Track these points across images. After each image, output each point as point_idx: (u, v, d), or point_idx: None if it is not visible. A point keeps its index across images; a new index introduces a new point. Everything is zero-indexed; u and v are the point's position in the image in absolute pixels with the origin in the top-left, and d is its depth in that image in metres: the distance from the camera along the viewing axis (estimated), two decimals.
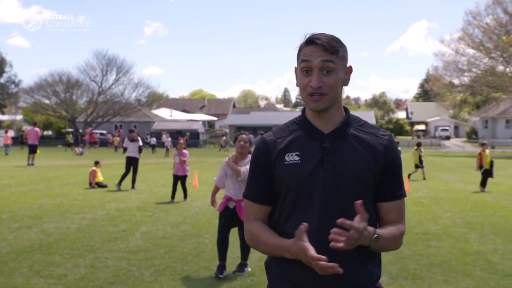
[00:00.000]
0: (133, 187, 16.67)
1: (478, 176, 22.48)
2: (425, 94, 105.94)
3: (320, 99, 2.23)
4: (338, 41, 2.26)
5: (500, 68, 50.23)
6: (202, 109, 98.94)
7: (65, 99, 68.68)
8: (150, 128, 67.75)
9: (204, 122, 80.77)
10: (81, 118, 68.83)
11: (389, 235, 2.25)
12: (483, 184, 16.64)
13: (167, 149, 41.10)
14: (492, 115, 72.59)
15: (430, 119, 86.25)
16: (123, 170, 17.53)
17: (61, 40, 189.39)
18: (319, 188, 2.22)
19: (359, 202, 2.05)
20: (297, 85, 2.33)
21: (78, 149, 41.08)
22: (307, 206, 2.24)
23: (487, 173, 16.76)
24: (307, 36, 2.27)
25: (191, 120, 78.72)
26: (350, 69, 2.34)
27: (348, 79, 2.35)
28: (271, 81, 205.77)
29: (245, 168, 6.81)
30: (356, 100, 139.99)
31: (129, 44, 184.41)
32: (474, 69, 51.05)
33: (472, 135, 73.86)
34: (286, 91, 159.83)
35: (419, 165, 21.23)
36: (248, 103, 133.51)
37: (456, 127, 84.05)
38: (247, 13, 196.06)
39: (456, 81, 53.29)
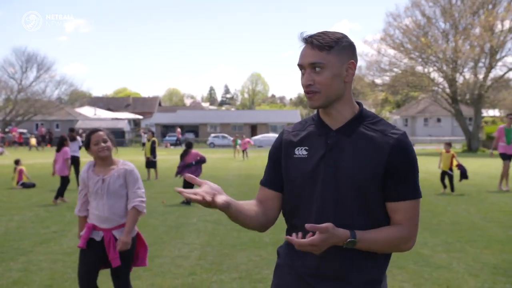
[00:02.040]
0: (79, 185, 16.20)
1: None
2: None
3: (312, 96, 2.28)
4: (334, 37, 2.27)
5: (419, 68, 52.06)
6: (127, 107, 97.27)
7: None
8: (74, 126, 65.92)
9: (129, 121, 79.43)
10: (0, 117, 66.17)
11: (376, 238, 2.23)
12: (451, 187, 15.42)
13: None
14: (412, 113, 75.33)
15: None
16: (45, 170, 16.99)
17: None
18: (319, 184, 2.28)
19: (307, 225, 2.09)
20: None
21: None
22: (309, 200, 2.31)
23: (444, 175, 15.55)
24: (301, 36, 2.33)
25: (116, 118, 77.25)
26: (352, 64, 2.30)
27: (351, 74, 2.30)
28: (197, 79, 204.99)
29: (138, 201, 4.61)
30: (281, 98, 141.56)
31: (50, 41, 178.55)
32: (395, 69, 52.63)
33: None
34: (211, 89, 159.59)
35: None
36: (174, 101, 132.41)
37: None
38: (172, 10, 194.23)
39: (378, 81, 54.79)
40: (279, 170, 2.43)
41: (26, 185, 16.76)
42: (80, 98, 76.10)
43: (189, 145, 14.04)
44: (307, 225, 2.10)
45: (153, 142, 19.93)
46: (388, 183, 2.24)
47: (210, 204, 2.05)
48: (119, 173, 4.64)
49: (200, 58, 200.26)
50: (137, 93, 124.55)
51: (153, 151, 19.74)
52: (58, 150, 13.66)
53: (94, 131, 4.72)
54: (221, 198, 2.09)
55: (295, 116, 70.23)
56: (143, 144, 49.31)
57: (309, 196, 2.31)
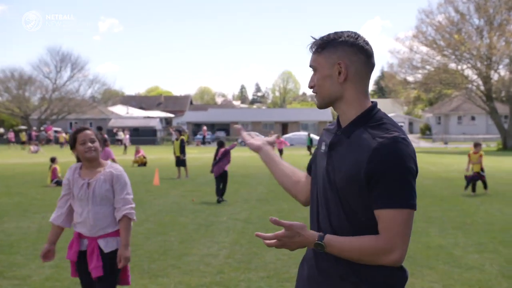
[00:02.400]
0: None
1: (433, 171, 23.02)
2: (380, 90, 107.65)
3: (316, 96, 2.35)
4: (328, 38, 2.27)
5: (452, 65, 51.34)
6: (159, 106, 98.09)
7: (18, 96, 67.13)
8: (106, 125, 66.78)
9: (161, 119, 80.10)
10: (35, 116, 67.39)
11: (350, 245, 2.14)
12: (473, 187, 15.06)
13: (126, 147, 40.63)
14: (445, 111, 74.25)
15: None
16: None
17: (13, 35, 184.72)
18: (319, 179, 2.35)
19: (272, 219, 2.15)
20: None
21: (33, 147, 40.23)
22: (315, 197, 2.40)
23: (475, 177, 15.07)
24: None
25: (148, 117, 77.96)
26: (340, 65, 2.23)
27: (343, 75, 2.23)
28: (228, 77, 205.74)
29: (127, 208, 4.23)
30: (312, 97, 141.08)
31: (84, 41, 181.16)
32: (427, 67, 52.01)
33: (426, 131, 75.44)
34: (243, 87, 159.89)
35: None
36: (205, 100, 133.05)
37: (410, 124, 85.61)
38: (205, 8, 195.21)
39: (410, 78, 54.18)
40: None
41: (59, 183, 17.04)
42: (113, 96, 77.01)
43: (220, 144, 14.19)
44: (271, 218, 2.16)
45: (182, 141, 19.99)
46: (370, 189, 2.10)
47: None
48: (106, 177, 4.20)
49: (232, 57, 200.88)
50: (169, 91, 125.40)
51: (182, 149, 19.79)
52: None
53: (81, 129, 4.27)
54: (257, 143, 2.79)
55: (326, 114, 69.84)
56: (173, 143, 49.36)
57: (313, 191, 2.42)
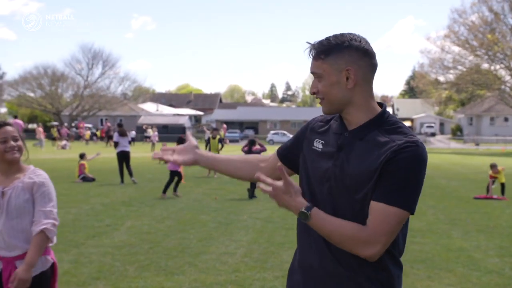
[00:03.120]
0: (132, 177, 16.72)
1: (462, 172, 22.69)
2: (411, 90, 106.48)
3: (321, 103, 2.31)
4: (333, 43, 2.21)
5: (485, 66, 50.61)
6: (188, 103, 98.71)
7: (50, 92, 68.35)
8: (136, 122, 67.48)
9: (190, 117, 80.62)
10: (67, 112, 68.46)
11: (331, 222, 2.13)
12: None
13: (153, 144, 40.96)
14: (477, 112, 73.15)
15: (415, 116, 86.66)
16: (108, 164, 17.50)
17: (47, 32, 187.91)
18: (325, 181, 2.27)
19: (257, 174, 2.20)
20: None
21: (61, 143, 40.91)
22: (318, 196, 2.29)
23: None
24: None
25: (177, 114, 78.53)
26: (349, 71, 2.20)
27: (352, 79, 2.20)
28: (258, 76, 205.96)
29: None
30: None
31: (117, 38, 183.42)
32: (459, 67, 51.38)
33: (457, 132, 74.43)
34: (273, 86, 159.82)
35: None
36: (235, 98, 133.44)
37: (441, 124, 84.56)
38: (234, 7, 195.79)
39: (441, 78, 53.62)
40: (294, 151, 2.48)
41: (86, 179, 17.27)
42: (143, 94, 77.75)
43: (252, 142, 14.44)
44: (257, 174, 2.20)
45: (220, 139, 19.92)
46: (378, 182, 2.11)
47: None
48: (25, 185, 3.45)
49: (262, 55, 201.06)
50: (199, 89, 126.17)
51: (220, 148, 19.82)
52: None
53: (1, 124, 3.49)
54: (183, 158, 2.56)
55: None
56: (207, 141, 48.69)
57: (313, 189, 2.31)
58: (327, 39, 2.25)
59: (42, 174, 3.54)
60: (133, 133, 49.33)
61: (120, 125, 17.41)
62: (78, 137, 57.88)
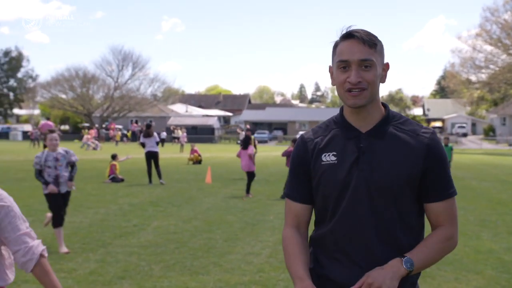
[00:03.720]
0: (161, 179, 16.78)
1: (494, 173, 22.31)
2: (442, 90, 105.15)
3: (359, 94, 2.15)
4: (375, 36, 2.20)
5: None
6: (217, 104, 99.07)
7: (82, 94, 69.30)
8: (166, 123, 67.98)
9: (219, 118, 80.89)
10: (97, 113, 69.30)
11: (427, 251, 2.17)
12: None
13: (182, 145, 41.22)
14: (510, 112, 71.80)
15: (447, 116, 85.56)
16: (137, 165, 17.64)
17: (79, 35, 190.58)
18: (352, 190, 2.18)
19: None
20: (333, 83, 2.27)
21: (93, 144, 41.48)
22: (345, 209, 2.20)
23: None
24: (344, 31, 2.21)
25: (206, 115, 78.87)
26: (387, 66, 2.26)
27: (385, 76, 2.26)
28: (287, 76, 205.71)
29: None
30: None
31: (147, 39, 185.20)
32: (491, 66, 50.56)
33: (490, 133, 73.19)
34: (302, 87, 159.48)
35: None
36: (264, 99, 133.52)
37: (473, 124, 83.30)
38: (264, 8, 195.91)
39: (473, 78, 52.84)
40: (307, 180, 2.31)
41: (115, 180, 17.45)
42: (173, 95, 78.29)
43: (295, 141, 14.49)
44: None
45: (254, 140, 19.55)
46: (427, 183, 2.19)
47: None
48: None
49: (292, 56, 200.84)
50: (228, 90, 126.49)
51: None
52: (244, 148, 14.38)
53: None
54: None
55: None
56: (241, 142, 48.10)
57: (343, 204, 2.21)
58: (365, 30, 2.21)
59: (1, 193, 2.72)
60: (163, 134, 49.68)
61: (148, 126, 17.50)
62: (109, 138, 58.57)
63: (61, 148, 8.04)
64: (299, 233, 2.34)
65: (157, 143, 17.30)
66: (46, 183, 7.83)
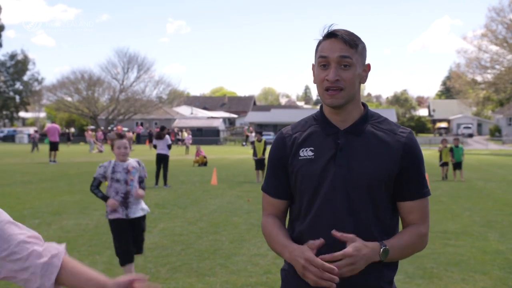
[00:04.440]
0: (165, 184, 16.74)
1: (500, 173, 22.25)
2: (447, 91, 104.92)
3: (336, 94, 2.18)
4: (357, 36, 2.23)
5: None
6: (222, 106, 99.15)
7: (87, 97, 69.48)
8: (171, 125, 68.08)
9: (224, 120, 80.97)
10: (103, 116, 69.47)
11: (403, 243, 2.21)
12: None
13: (187, 147, 41.26)
14: None
15: (452, 117, 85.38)
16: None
17: (85, 38, 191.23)
18: (328, 186, 2.20)
19: (334, 233, 2.08)
20: (314, 81, 2.30)
21: (99, 146, 41.60)
22: (320, 205, 2.21)
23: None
24: (326, 30, 2.24)
25: (211, 117, 78.94)
26: (368, 67, 2.29)
27: (366, 76, 2.28)
28: (292, 78, 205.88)
29: None
30: (378, 97, 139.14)
31: (152, 42, 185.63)
32: (497, 66, 50.43)
33: (496, 133, 72.98)
34: (307, 88, 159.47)
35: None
36: (269, 100, 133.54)
37: (479, 125, 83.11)
38: (268, 10, 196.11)
39: (479, 78, 52.70)
40: (284, 176, 2.33)
41: None
42: (178, 97, 78.45)
43: None
44: (334, 232, 2.08)
45: (265, 142, 19.10)
46: (402, 182, 2.22)
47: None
48: None
49: (296, 57, 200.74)
50: (233, 92, 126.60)
51: (265, 151, 18.83)
52: None
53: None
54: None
55: (391, 115, 68.69)
56: (252, 143, 46.59)
57: (319, 200, 2.21)
58: (347, 30, 2.24)
59: None
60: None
61: (162, 129, 17.44)
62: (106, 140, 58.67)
63: (133, 158, 6.41)
64: (278, 219, 2.37)
65: (169, 146, 17.12)
66: (104, 198, 6.09)
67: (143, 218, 6.32)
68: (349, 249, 2.05)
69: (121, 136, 6.20)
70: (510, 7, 48.32)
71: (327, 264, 2.02)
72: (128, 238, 6.11)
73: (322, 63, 2.20)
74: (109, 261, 7.34)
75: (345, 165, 2.19)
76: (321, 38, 2.26)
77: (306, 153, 2.26)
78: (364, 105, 2.34)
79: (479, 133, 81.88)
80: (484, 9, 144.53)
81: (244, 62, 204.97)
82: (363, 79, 2.28)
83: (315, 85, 2.29)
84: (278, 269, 6.92)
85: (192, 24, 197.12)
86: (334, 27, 2.25)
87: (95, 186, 6.15)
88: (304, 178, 2.24)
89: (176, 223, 10.29)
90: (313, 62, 2.32)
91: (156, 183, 16.82)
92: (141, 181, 6.35)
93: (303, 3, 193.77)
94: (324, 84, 2.20)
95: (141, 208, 6.25)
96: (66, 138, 54.67)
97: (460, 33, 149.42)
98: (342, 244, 2.11)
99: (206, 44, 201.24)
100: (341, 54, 2.16)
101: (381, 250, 2.11)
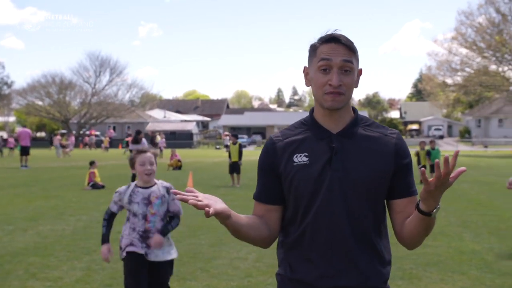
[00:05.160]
0: None
1: (472, 174, 22.61)
2: (418, 93, 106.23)
3: (338, 98, 2.20)
4: (353, 43, 2.26)
5: (493, 67, 50.41)
6: (195, 109, 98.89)
7: (58, 101, 68.71)
8: (144, 129, 67.65)
9: (197, 123, 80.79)
10: (75, 120, 68.73)
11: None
12: None
13: (161, 150, 41.02)
14: (485, 114, 72.93)
15: (423, 119, 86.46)
16: (117, 171, 17.52)
17: (55, 41, 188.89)
18: (325, 190, 2.20)
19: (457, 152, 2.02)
20: (308, 84, 2.31)
21: (66, 149, 41.33)
22: (319, 208, 2.21)
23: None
24: (327, 34, 2.26)
25: (185, 121, 78.66)
26: (360, 72, 2.32)
27: (358, 81, 2.32)
28: (265, 81, 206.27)
29: None
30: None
31: (124, 45, 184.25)
32: (467, 69, 51.20)
33: (466, 134, 74.16)
34: (279, 91, 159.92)
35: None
36: (242, 103, 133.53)
37: (449, 127, 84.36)
38: (240, 14, 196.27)
39: (449, 81, 53.44)
40: (275, 182, 2.31)
41: (95, 186, 17.31)
42: (151, 101, 78.01)
43: None
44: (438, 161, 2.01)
45: (240, 145, 18.82)
46: (394, 181, 2.26)
47: (208, 212, 1.97)
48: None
49: (269, 60, 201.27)
50: (206, 95, 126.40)
51: (240, 154, 18.47)
52: None
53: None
54: (221, 206, 2.05)
55: None
56: (226, 146, 45.71)
57: (317, 204, 2.21)
58: (345, 36, 2.27)
59: None
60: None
61: (138, 133, 17.40)
62: (85, 145, 58.04)
63: (160, 181, 4.81)
64: (259, 218, 2.33)
65: None
66: (104, 238, 4.85)
67: (170, 263, 4.85)
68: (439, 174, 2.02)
69: (143, 152, 4.72)
70: (479, 10, 49.16)
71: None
72: (141, 279, 4.64)
73: (323, 66, 2.20)
74: (88, 267, 7.26)
75: (341, 169, 2.20)
76: (316, 41, 2.28)
77: (300, 158, 2.25)
78: (353, 109, 2.37)
79: (449, 134, 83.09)
80: (454, 12, 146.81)
81: (216, 65, 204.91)
82: (357, 83, 2.31)
83: (310, 88, 2.30)
84: (259, 273, 6.95)
85: (164, 27, 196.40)
86: (334, 32, 2.27)
87: (106, 217, 4.86)
88: (300, 183, 2.23)
89: None
90: (306, 65, 2.34)
91: None
92: (170, 218, 4.79)
93: (274, 7, 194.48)
94: (326, 88, 2.20)
95: (168, 252, 4.74)
96: (49, 142, 54.31)
97: (430, 36, 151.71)
98: (341, 244, 2.17)
99: (178, 47, 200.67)
100: (344, 59, 2.19)
101: (438, 206, 2.12)
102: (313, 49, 2.28)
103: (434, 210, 2.10)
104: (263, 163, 2.36)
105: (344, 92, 2.21)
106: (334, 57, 2.19)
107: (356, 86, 2.31)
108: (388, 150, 2.25)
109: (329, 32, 2.26)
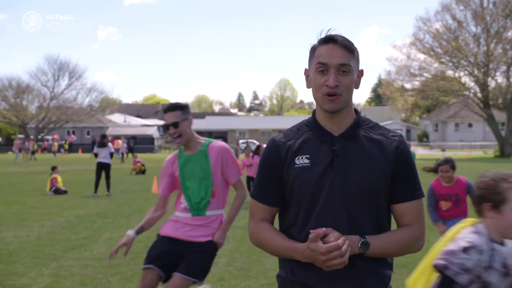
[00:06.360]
0: (108, 191, 16.54)
1: (431, 178, 23.04)
2: (377, 98, 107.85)
3: (335, 99, 2.20)
4: (352, 43, 2.25)
5: (450, 72, 51.52)
6: (156, 114, 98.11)
7: (15, 105, 67.18)
8: (105, 133, 66.87)
9: (158, 127, 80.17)
10: (33, 124, 67.39)
11: (387, 239, 2.21)
12: None
13: (123, 155, 40.62)
14: (442, 118, 74.44)
15: (383, 123, 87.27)
16: (80, 176, 17.27)
17: (11, 44, 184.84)
18: (327, 192, 2.20)
19: (317, 231, 2.08)
20: (309, 86, 2.31)
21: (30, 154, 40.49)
22: (320, 210, 2.22)
23: None
24: (325, 35, 2.25)
25: (146, 125, 77.99)
26: (361, 72, 2.32)
27: (359, 82, 2.31)
28: (225, 85, 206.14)
29: None
30: (310, 104, 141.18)
31: (83, 49, 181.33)
32: (425, 74, 52.19)
33: (424, 138, 75.58)
34: (240, 95, 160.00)
35: None
36: (203, 107, 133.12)
37: (408, 131, 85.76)
38: (200, 17, 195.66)
39: (408, 85, 54.36)
40: (279, 184, 2.32)
41: (58, 192, 17.00)
42: (111, 105, 77.11)
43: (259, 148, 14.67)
44: (317, 231, 2.06)
45: None
46: (396, 184, 2.25)
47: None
48: None
49: (229, 65, 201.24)
50: (166, 99, 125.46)
51: None
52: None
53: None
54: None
55: None
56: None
57: (318, 206, 2.22)
58: (343, 36, 2.26)
59: None
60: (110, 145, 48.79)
61: (103, 136, 17.26)
62: (43, 149, 57.01)
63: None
64: (272, 224, 2.39)
65: (111, 154, 17.04)
66: None
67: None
68: (341, 240, 2.05)
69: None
70: (436, 17, 50.22)
71: (329, 244, 2.05)
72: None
73: (320, 68, 2.21)
74: (56, 273, 7.11)
75: (342, 171, 2.20)
76: (316, 43, 2.27)
77: (302, 160, 2.25)
78: (356, 110, 2.36)
79: (408, 138, 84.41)
80: (411, 18, 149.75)
81: (176, 69, 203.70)
82: (357, 84, 2.30)
83: (310, 90, 2.30)
84: (232, 276, 6.93)
85: (123, 31, 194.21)
86: (332, 32, 2.27)
87: None
88: (302, 186, 2.23)
89: (121, 232, 10.07)
90: (307, 67, 2.33)
91: (95, 191, 16.47)
92: None
93: (233, 12, 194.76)
94: (324, 89, 2.20)
95: None
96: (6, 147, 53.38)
97: (388, 42, 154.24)
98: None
99: (138, 51, 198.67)
100: (341, 62, 2.18)
101: (360, 241, 2.13)
102: (312, 50, 2.28)
103: (359, 250, 2.14)
104: (265, 164, 2.37)
105: (342, 93, 2.20)
106: (330, 60, 2.18)
107: (357, 87, 2.30)
108: (389, 153, 2.24)
109: (326, 32, 2.26)
